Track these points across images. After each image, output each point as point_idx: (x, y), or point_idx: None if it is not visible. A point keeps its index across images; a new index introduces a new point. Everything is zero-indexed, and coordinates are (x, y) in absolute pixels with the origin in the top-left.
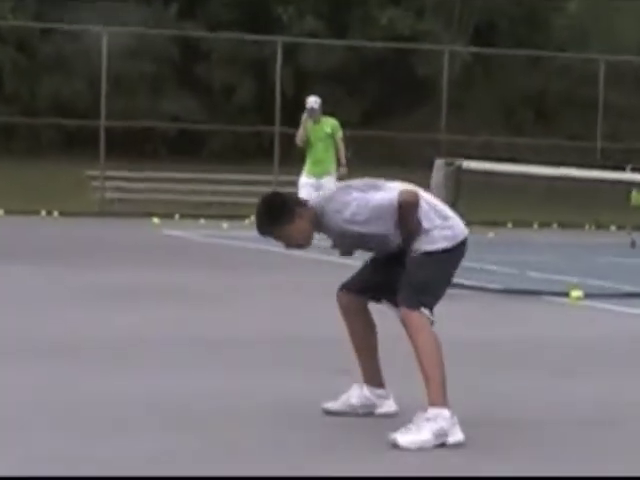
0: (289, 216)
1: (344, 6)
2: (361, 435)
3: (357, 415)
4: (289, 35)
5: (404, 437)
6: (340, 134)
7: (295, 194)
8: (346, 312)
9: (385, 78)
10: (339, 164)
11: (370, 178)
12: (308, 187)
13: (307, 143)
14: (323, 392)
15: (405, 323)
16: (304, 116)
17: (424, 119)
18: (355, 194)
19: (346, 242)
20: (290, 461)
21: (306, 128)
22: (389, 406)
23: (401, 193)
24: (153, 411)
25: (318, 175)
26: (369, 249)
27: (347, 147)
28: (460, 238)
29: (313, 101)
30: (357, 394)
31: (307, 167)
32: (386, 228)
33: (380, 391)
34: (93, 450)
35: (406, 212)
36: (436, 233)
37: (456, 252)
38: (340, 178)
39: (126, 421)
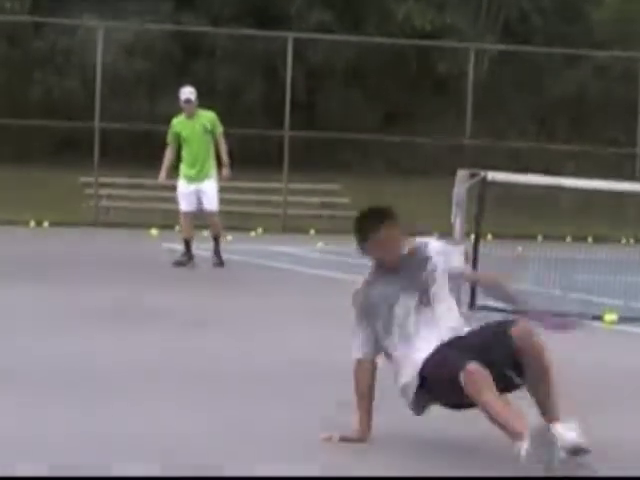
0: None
1: None
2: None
3: None
4: (296, 30)
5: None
6: (220, 130)
7: None
8: None
9: (404, 78)
10: (220, 165)
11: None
12: (189, 196)
13: (180, 141)
14: (319, 426)
15: None
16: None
17: (448, 123)
18: None
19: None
20: None
21: (173, 125)
22: None
23: None
24: (130, 450)
25: (196, 180)
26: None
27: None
28: None
29: (189, 92)
30: None
31: (183, 170)
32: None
33: None
34: None
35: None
36: None
37: None
38: (223, 181)
39: (99, 461)
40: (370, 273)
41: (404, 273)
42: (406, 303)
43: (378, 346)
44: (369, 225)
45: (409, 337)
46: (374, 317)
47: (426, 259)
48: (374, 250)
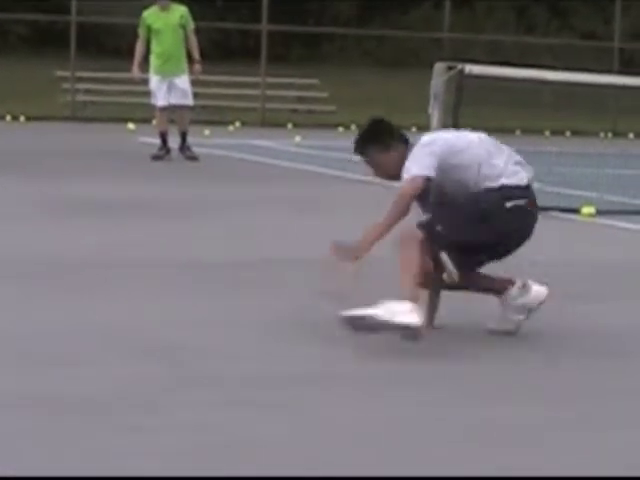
0: (385, 144)
1: None
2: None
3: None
4: None
5: None
6: (192, 25)
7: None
8: None
9: None
10: (192, 61)
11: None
12: (164, 91)
13: (150, 34)
14: (305, 316)
15: None
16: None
17: (426, 16)
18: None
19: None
20: (275, 387)
21: (144, 18)
22: None
23: None
24: (116, 340)
25: (169, 73)
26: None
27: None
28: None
29: None
30: None
31: (154, 64)
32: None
33: None
34: (53, 386)
35: None
36: None
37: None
38: (194, 77)
39: (87, 353)
40: None
41: None
42: None
43: None
44: (357, 148)
45: None
46: None
47: None
48: None
